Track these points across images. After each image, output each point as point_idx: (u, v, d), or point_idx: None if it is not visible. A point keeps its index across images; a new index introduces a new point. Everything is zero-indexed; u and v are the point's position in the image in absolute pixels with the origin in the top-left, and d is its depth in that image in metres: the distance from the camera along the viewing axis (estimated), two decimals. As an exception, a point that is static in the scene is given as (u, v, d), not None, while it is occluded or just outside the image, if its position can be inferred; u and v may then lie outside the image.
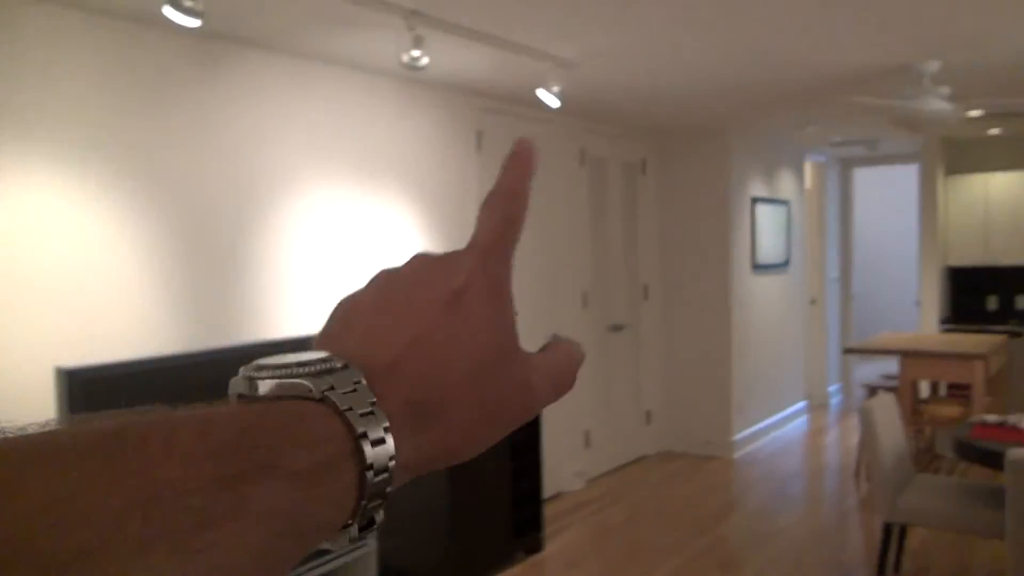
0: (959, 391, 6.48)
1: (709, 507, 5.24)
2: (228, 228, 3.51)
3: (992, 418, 3.80)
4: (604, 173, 6.14)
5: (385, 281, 0.42)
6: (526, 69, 4.05)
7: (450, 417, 0.38)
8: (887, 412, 3.93)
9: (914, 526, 3.89)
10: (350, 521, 0.35)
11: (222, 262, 3.48)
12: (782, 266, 7.42)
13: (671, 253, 6.77)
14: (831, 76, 4.59)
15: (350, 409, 0.35)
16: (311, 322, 3.86)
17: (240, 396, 0.37)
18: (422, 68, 3.23)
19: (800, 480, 5.88)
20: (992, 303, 7.70)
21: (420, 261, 0.43)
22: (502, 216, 0.45)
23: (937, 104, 4.27)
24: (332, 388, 0.35)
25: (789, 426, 7.53)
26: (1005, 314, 7.56)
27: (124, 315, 3.12)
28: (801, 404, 7.89)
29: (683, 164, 6.68)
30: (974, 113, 5.61)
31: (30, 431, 0.29)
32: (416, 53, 3.17)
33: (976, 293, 7.76)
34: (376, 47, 3.68)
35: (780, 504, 5.28)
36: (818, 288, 8.49)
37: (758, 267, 6.94)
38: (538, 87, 4.00)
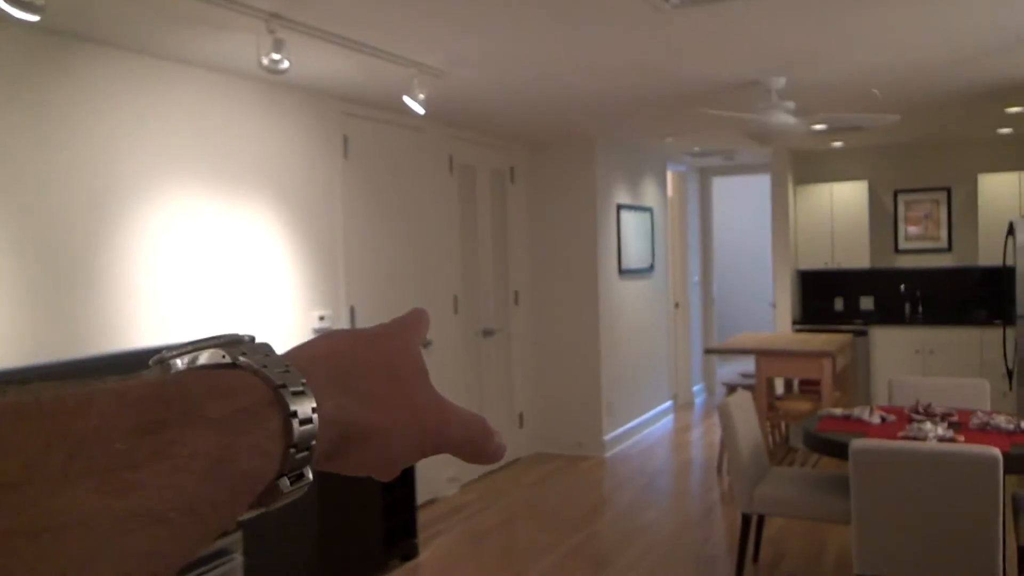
0: (811, 387, 6.87)
1: (581, 506, 5.35)
2: (80, 236, 3.33)
3: (838, 411, 4.06)
4: (473, 180, 6.19)
5: (306, 342, 0.45)
6: (392, 75, 4.03)
7: (369, 395, 0.41)
8: (744, 409, 4.12)
9: (771, 516, 4.09)
10: (280, 472, 0.36)
11: (73, 272, 3.30)
12: (647, 271, 7.67)
13: (541, 259, 6.88)
14: (687, 89, 4.79)
15: (265, 367, 0.36)
16: (170, 332, 3.71)
17: None
18: (283, 72, 3.16)
19: (667, 476, 6.09)
20: (839, 304, 8.21)
21: (341, 329, 0.47)
22: (409, 317, 0.49)
23: (784, 118, 4.53)
24: (244, 355, 0.37)
25: (657, 425, 7.78)
26: (851, 314, 8.07)
27: (-40, 329, 2.91)
28: (667, 404, 8.17)
29: (551, 172, 6.81)
30: (818, 127, 5.98)
31: None
32: (276, 56, 3.11)
33: (824, 295, 8.26)
34: (236, 49, 3.58)
35: (649, 500, 5.45)
36: (681, 292, 8.82)
37: (624, 272, 7.15)
38: (404, 94, 3.99)
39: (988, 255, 7.23)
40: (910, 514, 3.03)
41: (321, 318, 4.65)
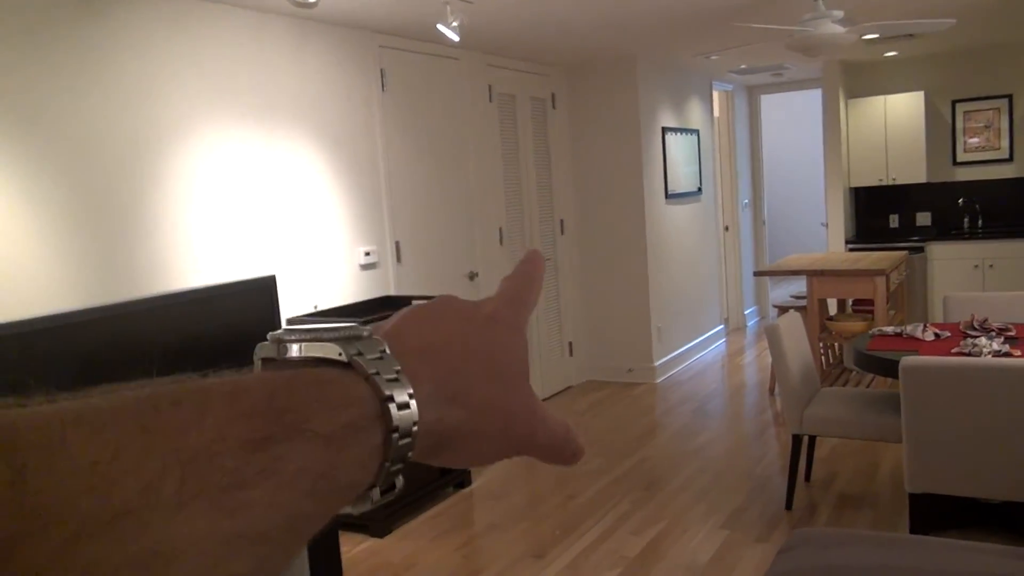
0: (864, 307, 6.75)
1: (633, 431, 5.39)
2: (121, 179, 3.39)
3: (890, 329, 3.98)
4: (513, 109, 6.11)
5: (412, 308, 0.44)
6: (425, 4, 3.96)
7: (468, 398, 0.40)
8: (794, 330, 4.08)
9: (822, 436, 4.08)
10: (373, 483, 0.36)
11: (120, 214, 3.37)
12: (695, 194, 7.55)
13: (585, 186, 6.81)
14: (731, 1, 4.62)
15: (377, 374, 0.36)
16: (216, 272, 3.78)
17: (265, 361, 0.38)
18: (312, 6, 3.13)
19: (719, 400, 6.08)
20: (894, 221, 8.00)
21: (450, 297, 0.45)
22: (524, 285, 0.47)
23: (831, 27, 4.35)
24: (359, 354, 0.36)
25: (708, 349, 7.76)
26: (907, 231, 7.87)
27: (18, 272, 3.00)
28: (719, 327, 8.12)
29: (592, 97, 6.69)
30: (869, 36, 5.74)
31: (59, 401, 0.30)
32: (306, -10, 3.07)
33: (879, 212, 8.05)
34: (267, -15, 3.54)
35: (701, 424, 5.47)
36: (731, 215, 8.67)
37: (671, 196, 7.04)
38: (438, 22, 3.93)
39: (1052, 164, 6.94)
40: (963, 431, 2.98)
41: (367, 253, 4.69)
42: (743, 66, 7.56)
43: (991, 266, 7.10)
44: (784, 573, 2.36)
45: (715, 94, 8.22)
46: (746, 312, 8.99)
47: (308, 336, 0.37)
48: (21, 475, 0.26)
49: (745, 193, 9.06)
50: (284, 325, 3.84)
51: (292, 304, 4.15)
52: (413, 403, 0.36)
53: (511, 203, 6.05)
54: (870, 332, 4.05)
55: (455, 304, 0.44)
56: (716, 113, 8.31)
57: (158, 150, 3.55)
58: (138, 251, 3.44)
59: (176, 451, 0.29)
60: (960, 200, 7.66)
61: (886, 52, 7.26)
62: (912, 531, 3.28)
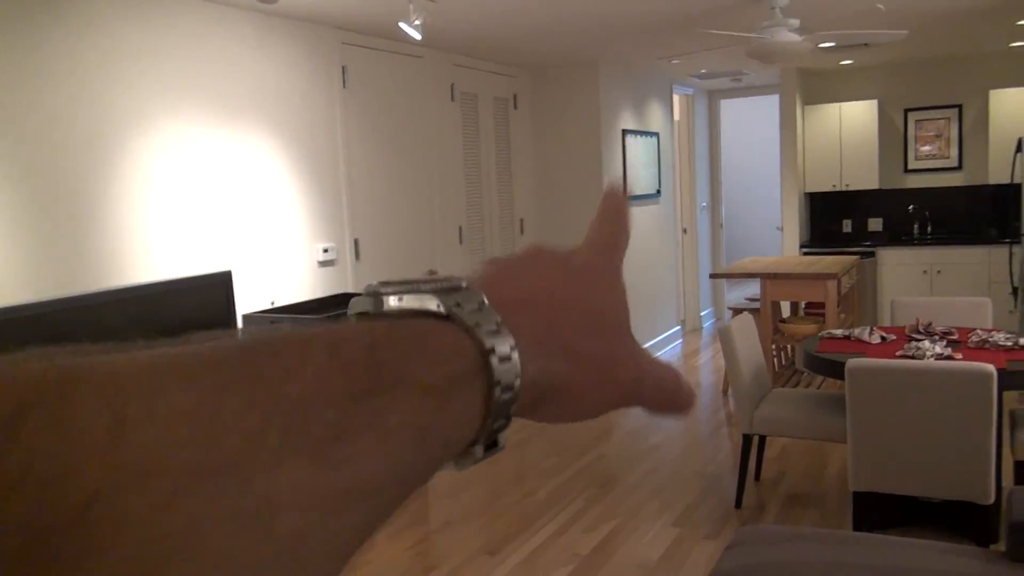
0: (817, 310, 6.90)
1: (589, 430, 5.45)
2: (77, 171, 3.35)
3: (838, 332, 4.08)
4: (476, 108, 6.13)
5: (503, 260, 0.42)
6: (388, 2, 3.97)
7: (570, 349, 0.38)
8: (746, 332, 4.16)
9: (772, 436, 4.17)
10: (475, 440, 0.35)
11: (75, 207, 3.33)
12: (654, 196, 7.64)
13: (546, 187, 6.86)
14: (690, 8, 4.70)
15: (477, 325, 0.34)
16: (173, 267, 3.75)
17: (361, 315, 0.36)
18: (274, 2, 3.13)
19: (673, 400, 6.17)
20: (847, 226, 8.17)
21: (540, 247, 0.43)
22: (612, 228, 0.45)
23: (788, 36, 4.45)
24: (458, 305, 0.35)
25: (665, 350, 7.85)
26: (859, 236, 8.04)
27: (-33, 268, 2.96)
28: (676, 328, 8.23)
29: (554, 98, 6.74)
30: (825, 45, 5.86)
31: (158, 348, 0.29)
32: (267, -15, 3.06)
33: (832, 217, 8.21)
34: (227, -21, 3.53)
35: (655, 424, 5.54)
36: (689, 217, 8.79)
37: (631, 198, 7.10)
38: (401, 20, 3.94)
39: (998, 173, 7.15)
40: (905, 431, 3.08)
41: (325, 250, 4.68)
42: (703, 71, 7.67)
43: (939, 272, 7.29)
44: (729, 569, 2.42)
45: (675, 98, 8.32)
46: (702, 314, 9.12)
47: (405, 288, 0.36)
48: (121, 424, 0.24)
49: (703, 196, 9.18)
50: (240, 322, 3.80)
51: (249, 300, 4.13)
52: (515, 355, 0.34)
53: (471, 202, 6.07)
54: (820, 335, 4.15)
55: (547, 254, 0.42)
56: (676, 116, 8.42)
57: (116, 142, 3.51)
58: (93, 244, 3.41)
59: (277, 403, 0.28)
60: (911, 207, 7.86)
61: (842, 60, 7.41)
62: (855, 529, 3.38)
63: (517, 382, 0.35)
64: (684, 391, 0.44)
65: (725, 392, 6.22)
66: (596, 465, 4.77)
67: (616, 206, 0.46)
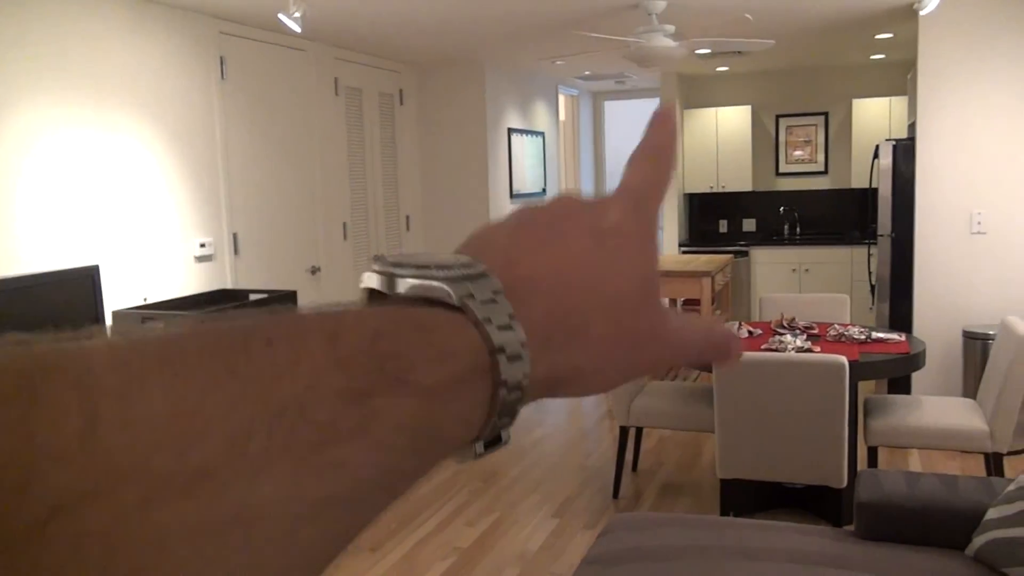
0: (694, 307, 7.16)
1: (471, 427, 5.49)
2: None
3: (710, 327, 4.25)
4: (360, 103, 6.08)
5: (528, 213, 0.38)
6: (266, -7, 3.90)
7: (586, 338, 0.35)
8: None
9: (648, 427, 4.31)
10: (477, 437, 0.33)
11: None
12: (539, 195, 7.75)
13: (431, 183, 6.87)
14: (570, 12, 4.80)
15: (488, 320, 0.32)
16: (39, 261, 3.58)
17: (371, 292, 0.34)
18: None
19: (556, 395, 6.27)
20: (723, 226, 8.51)
21: (568, 199, 0.39)
22: (653, 168, 0.41)
23: (663, 40, 4.60)
24: (471, 296, 0.32)
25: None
26: (734, 236, 8.38)
27: None
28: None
29: (440, 95, 6.75)
30: (701, 51, 6.09)
31: (151, 331, 0.26)
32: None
33: (710, 218, 8.54)
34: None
35: (539, 418, 5.64)
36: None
37: (516, 196, 7.21)
38: (280, 11, 3.88)
39: (860, 178, 7.59)
40: (767, 421, 3.25)
41: (202, 245, 4.56)
42: (587, 72, 7.83)
43: (807, 270, 7.69)
44: (600, 555, 2.50)
45: (561, 98, 8.47)
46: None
47: (418, 272, 0.33)
48: (93, 425, 0.22)
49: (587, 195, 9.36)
50: (109, 317, 3.65)
51: (120, 296, 3.98)
52: (525, 353, 0.32)
53: (356, 198, 6.02)
54: (692, 329, 4.31)
55: (576, 211, 0.38)
56: (561, 116, 8.57)
57: (-31, 129, 3.32)
58: (-57, 236, 3.22)
59: (265, 403, 0.25)
60: (782, 208, 8.25)
61: (718, 67, 7.71)
62: (723, 514, 3.54)
63: (526, 381, 0.32)
64: (732, 338, 0.42)
65: (606, 387, 6.38)
66: (481, 460, 4.81)
67: (664, 137, 0.42)
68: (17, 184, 3.49)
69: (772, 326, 4.23)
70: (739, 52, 6.75)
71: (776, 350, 3.60)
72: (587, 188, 9.31)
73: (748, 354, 3.26)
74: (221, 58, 4.69)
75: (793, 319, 4.18)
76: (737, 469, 3.34)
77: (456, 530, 3.84)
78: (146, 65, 4.16)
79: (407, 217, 6.70)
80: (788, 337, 3.74)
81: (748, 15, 4.40)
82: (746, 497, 3.64)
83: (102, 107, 3.91)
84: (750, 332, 4.09)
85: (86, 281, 3.08)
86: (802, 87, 8.10)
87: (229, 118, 4.75)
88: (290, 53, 5.27)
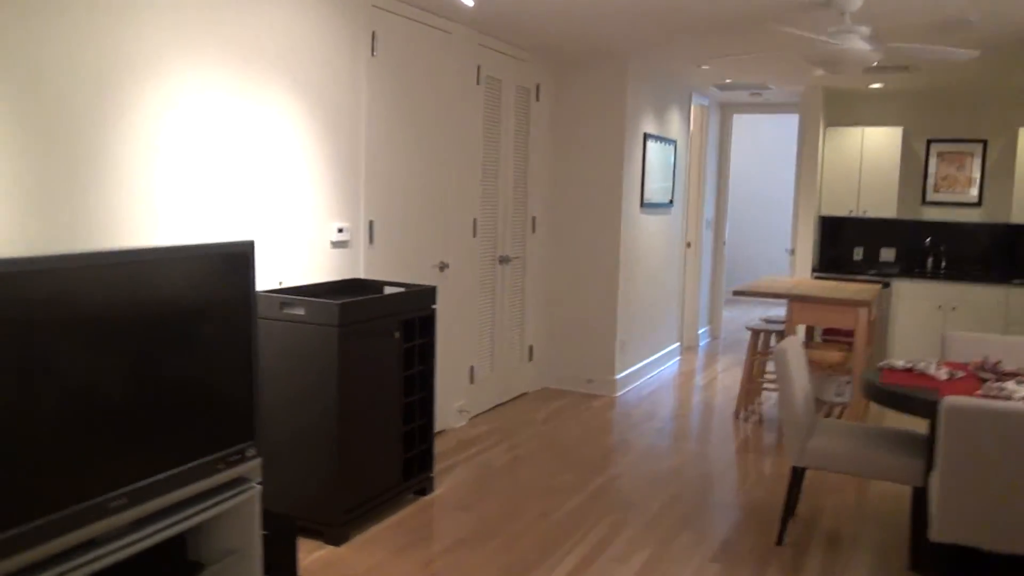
0: (834, 336, 6.62)
1: (599, 446, 5.09)
2: (82, 117, 2.91)
3: (899, 363, 3.78)
4: (499, 95, 5.75)
5: None
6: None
7: None
8: (797, 355, 3.84)
9: (825, 471, 3.85)
10: None
11: (74, 156, 2.88)
12: (667, 207, 7.32)
13: (561, 185, 6.51)
14: (752, 6, 4.38)
15: None
16: (174, 232, 3.32)
17: None
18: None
19: (682, 420, 5.83)
20: (858, 253, 7.93)
21: None
22: None
23: (858, 43, 4.15)
24: None
25: (664, 367, 7.53)
26: (869, 265, 7.80)
27: (-49, 209, 2.51)
28: (675, 345, 7.91)
29: (578, 92, 6.39)
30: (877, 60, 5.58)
31: None
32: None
33: (845, 243, 7.97)
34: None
35: (667, 444, 5.20)
36: (694, 231, 8.49)
37: (646, 205, 6.79)
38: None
39: (1022, 213, 6.97)
40: (1001, 481, 2.76)
41: (340, 230, 4.27)
42: (728, 81, 7.38)
43: (953, 308, 7.07)
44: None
45: (691, 107, 8.03)
46: (699, 332, 8.82)
47: None
48: None
49: (708, 210, 8.90)
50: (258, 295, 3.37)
51: (256, 277, 3.70)
52: None
53: (488, 194, 5.69)
54: (879, 365, 3.83)
55: None
56: (691, 126, 8.12)
57: (127, 86, 3.07)
58: (89, 199, 2.96)
59: None
60: (927, 239, 7.64)
61: (872, 83, 7.17)
62: (926, 582, 3.06)
63: None
64: None
65: (737, 415, 5.91)
66: (613, 486, 4.41)
67: None
68: (160, 148, 3.23)
69: (971, 369, 3.73)
70: (905, 68, 6.22)
71: (1000, 398, 3.11)
72: (708, 203, 8.84)
73: (986, 402, 2.78)
74: (373, 33, 4.40)
75: (998, 362, 3.66)
76: (959, 533, 2.85)
77: (606, 567, 3.44)
78: (296, 33, 3.88)
79: (533, 218, 6.35)
80: (1010, 384, 3.24)
81: (972, 16, 3.91)
82: (958, 562, 3.15)
83: (252, 71, 3.64)
84: (951, 374, 3.60)
85: (240, 258, 2.79)
86: (959, 111, 7.49)
87: (375, 97, 4.46)
88: (437, 35, 4.97)
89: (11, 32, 2.64)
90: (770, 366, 6.48)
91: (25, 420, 2.04)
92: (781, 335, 5.67)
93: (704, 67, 6.57)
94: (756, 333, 5.90)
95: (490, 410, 5.86)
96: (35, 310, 2.06)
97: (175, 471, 2.50)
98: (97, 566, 2.19)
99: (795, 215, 7.62)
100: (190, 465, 2.55)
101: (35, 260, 2.08)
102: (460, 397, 5.48)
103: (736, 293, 5.68)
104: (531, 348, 6.42)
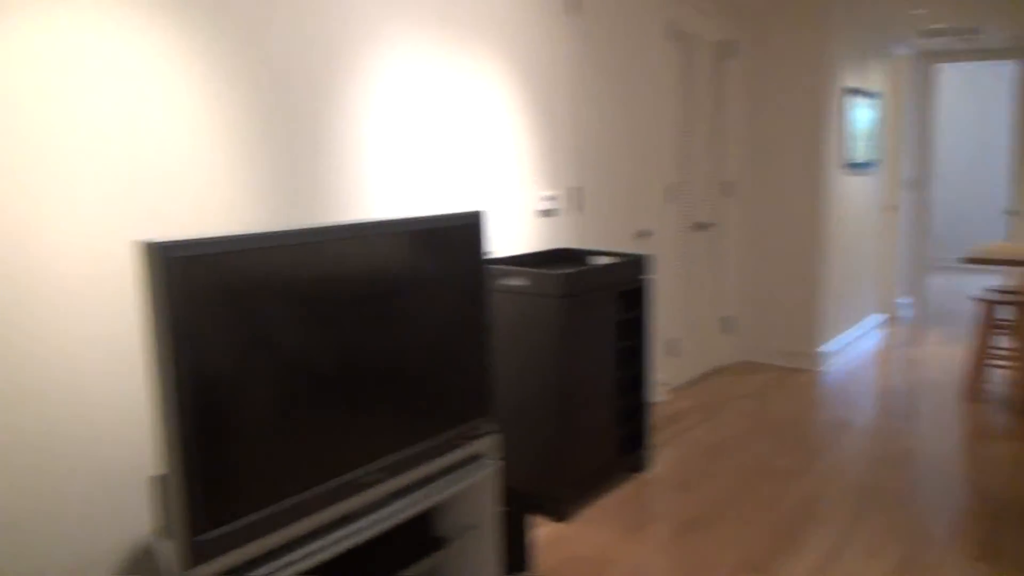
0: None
1: (814, 426, 4.75)
2: (307, 90, 2.85)
3: None
4: (691, 54, 5.42)
5: None
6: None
7: None
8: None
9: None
10: None
11: (302, 130, 2.83)
12: (870, 167, 6.77)
13: (758, 146, 6.11)
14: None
15: None
16: (387, 204, 3.25)
17: None
18: None
19: (903, 399, 5.37)
20: (1091, 213, 7.09)
21: None
22: None
23: None
24: None
25: (866, 339, 7.02)
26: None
27: (195, 185, 2.50)
28: (876, 317, 7.36)
29: (775, 46, 5.95)
30: None
31: None
32: None
33: (1074, 202, 7.14)
34: None
35: (892, 425, 4.78)
36: (895, 193, 7.85)
37: (847, 166, 6.29)
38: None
39: None
40: None
41: (549, 198, 4.11)
42: (940, 25, 6.70)
43: None
44: None
45: (892, 58, 7.37)
46: (899, 302, 8.18)
47: None
48: None
49: (908, 171, 8.20)
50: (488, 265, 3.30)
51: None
52: None
53: (682, 157, 5.39)
54: None
55: None
56: (891, 79, 7.47)
57: (350, 54, 3.00)
58: (327, 171, 2.92)
59: None
60: None
61: (1116, 19, 6.33)
62: None
63: None
64: None
65: (970, 395, 5.39)
66: (840, 469, 4.07)
67: None
68: (373, 119, 3.15)
69: None
70: None
71: None
72: (908, 163, 8.14)
73: None
74: (576, -10, 4.19)
75: None
76: None
77: (856, 560, 3.14)
78: (504, -6, 3.72)
79: (730, 183, 5.99)
80: None
81: None
82: None
83: (453, 34, 3.50)
84: None
85: (470, 228, 2.67)
86: None
87: (577, 58, 4.25)
88: (636, -10, 4.70)
89: (246, 9, 2.60)
90: (999, 340, 5.87)
91: (286, 398, 1.98)
92: (1020, 306, 5.10)
93: (918, 11, 5.97)
94: (988, 305, 5.33)
95: (688, 384, 5.61)
96: (294, 285, 1.99)
97: (422, 446, 2.41)
98: (355, 540, 2.15)
99: (1014, 172, 6.87)
100: (434, 441, 2.46)
101: (303, 233, 2.01)
102: (658, 370, 5.25)
103: (968, 261, 5.14)
104: (728, 319, 6.09)
